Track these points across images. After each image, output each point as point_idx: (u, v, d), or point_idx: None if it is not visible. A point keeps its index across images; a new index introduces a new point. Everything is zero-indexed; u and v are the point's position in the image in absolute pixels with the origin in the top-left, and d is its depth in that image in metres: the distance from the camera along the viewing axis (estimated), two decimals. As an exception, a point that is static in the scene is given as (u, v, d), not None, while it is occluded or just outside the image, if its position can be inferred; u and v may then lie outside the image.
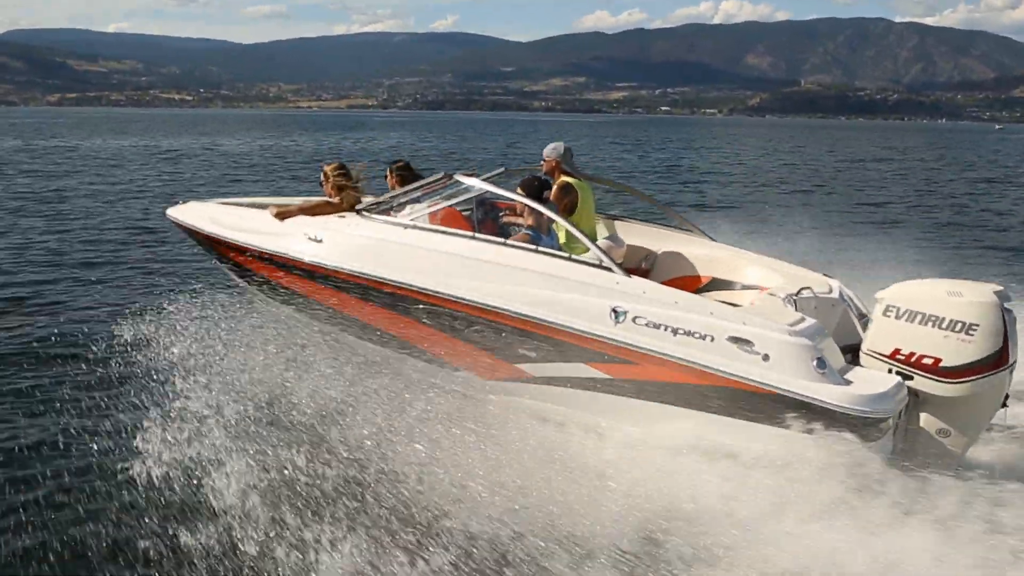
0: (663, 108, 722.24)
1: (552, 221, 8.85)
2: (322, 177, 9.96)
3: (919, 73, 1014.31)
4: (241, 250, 9.63)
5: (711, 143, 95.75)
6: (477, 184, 8.98)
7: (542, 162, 10.29)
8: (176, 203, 10.96)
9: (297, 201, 10.55)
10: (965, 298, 7.31)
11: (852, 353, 8.07)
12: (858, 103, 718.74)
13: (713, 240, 10.45)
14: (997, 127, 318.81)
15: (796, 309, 8.21)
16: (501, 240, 8.51)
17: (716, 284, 9.90)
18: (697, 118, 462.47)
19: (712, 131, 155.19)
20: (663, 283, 8.76)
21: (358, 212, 9.26)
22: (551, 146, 10.23)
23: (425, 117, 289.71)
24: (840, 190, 37.83)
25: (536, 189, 8.85)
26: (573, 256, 8.20)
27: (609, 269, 7.96)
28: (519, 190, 8.91)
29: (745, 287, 9.69)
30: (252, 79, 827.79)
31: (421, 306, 8.48)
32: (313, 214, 9.48)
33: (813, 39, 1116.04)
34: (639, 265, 10.14)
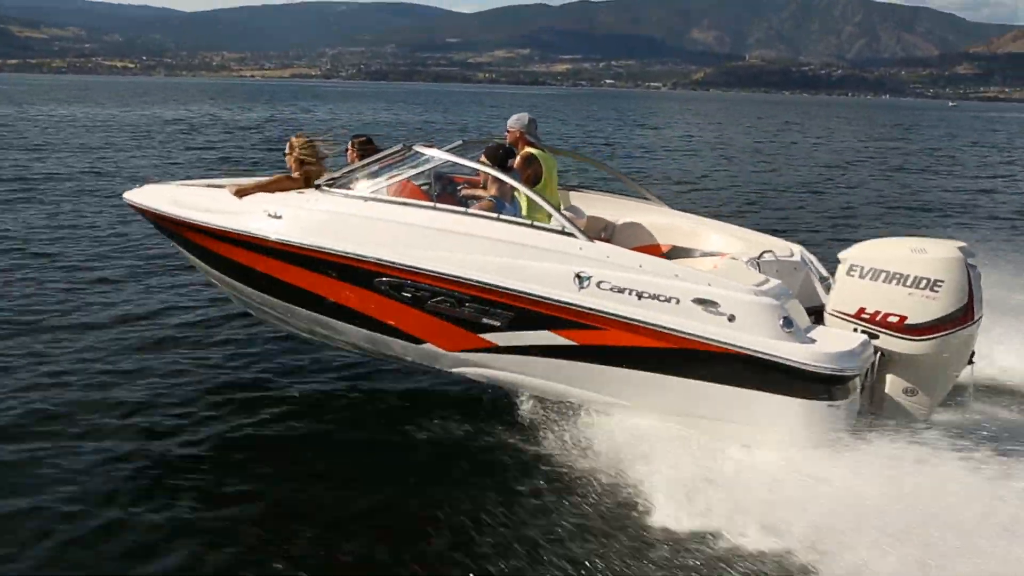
0: (608, 81, 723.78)
1: (515, 190, 8.78)
2: (287, 147, 9.68)
3: (863, 48, 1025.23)
4: (200, 230, 9.33)
5: (672, 119, 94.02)
6: (438, 154, 8.88)
7: (506, 132, 10.18)
8: (133, 187, 10.61)
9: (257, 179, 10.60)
10: (929, 255, 7.38)
11: (816, 315, 8.11)
12: (802, 78, 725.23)
13: (672, 208, 10.49)
14: (950, 104, 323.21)
15: (760, 272, 8.24)
16: (463, 209, 8.44)
17: (676, 252, 9.88)
18: (642, 92, 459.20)
19: (661, 106, 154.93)
20: None
21: (317, 187, 9.09)
22: (515, 116, 10.16)
23: (370, 88, 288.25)
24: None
25: (500, 157, 8.89)
26: (535, 223, 8.16)
27: (572, 235, 7.92)
28: (483, 158, 8.93)
29: (705, 254, 9.70)
30: (195, 48, 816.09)
31: (383, 279, 8.37)
32: (272, 190, 9.29)
33: (758, 13, 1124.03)
34: (599, 235, 9.91)
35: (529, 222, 8.20)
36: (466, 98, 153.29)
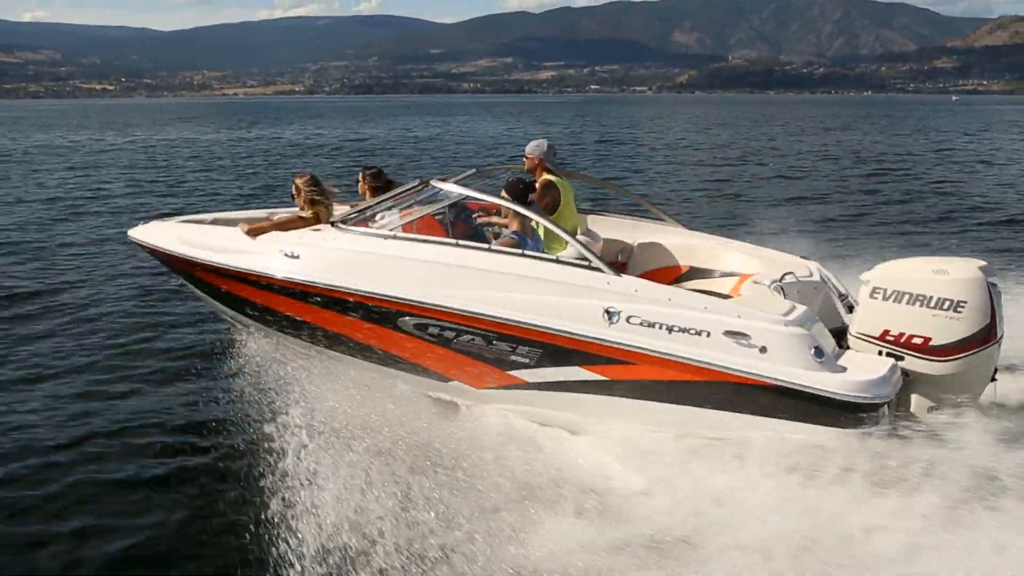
0: (593, 87, 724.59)
1: (537, 223, 8.71)
2: (293, 190, 9.57)
3: (842, 46, 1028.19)
4: (214, 270, 9.25)
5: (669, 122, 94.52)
6: (456, 190, 8.77)
7: (524, 159, 10.10)
8: (137, 224, 10.54)
9: (263, 213, 10.50)
10: (951, 276, 7.39)
11: (838, 335, 8.10)
12: (785, 77, 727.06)
13: (688, 228, 10.44)
14: (954, 98, 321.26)
15: (783, 296, 8.20)
16: (487, 246, 8.33)
17: (694, 273, 9.88)
18: (628, 96, 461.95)
19: (651, 110, 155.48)
20: (640, 275, 8.83)
21: (333, 224, 8.94)
22: (534, 143, 10.07)
23: (356, 102, 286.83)
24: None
25: (521, 192, 8.68)
26: (561, 258, 8.06)
27: (599, 269, 7.84)
28: (503, 193, 8.70)
29: (724, 274, 9.68)
30: (175, 67, 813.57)
31: (407, 318, 8.30)
32: (286, 229, 9.15)
33: (739, 14, 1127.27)
34: (615, 259, 10.06)
35: (555, 257, 8.14)
36: (459, 110, 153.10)
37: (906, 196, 29.41)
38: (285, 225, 9.27)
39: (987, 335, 7.41)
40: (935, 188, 31.79)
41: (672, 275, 9.87)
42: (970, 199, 28.62)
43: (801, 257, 9.52)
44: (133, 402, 10.12)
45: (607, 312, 7.69)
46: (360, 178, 10.48)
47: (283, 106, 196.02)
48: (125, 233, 10.88)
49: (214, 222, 10.30)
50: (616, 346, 7.65)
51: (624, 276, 7.89)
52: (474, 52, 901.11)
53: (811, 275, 9.03)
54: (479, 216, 9.79)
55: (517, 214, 8.60)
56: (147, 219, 10.92)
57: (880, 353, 7.66)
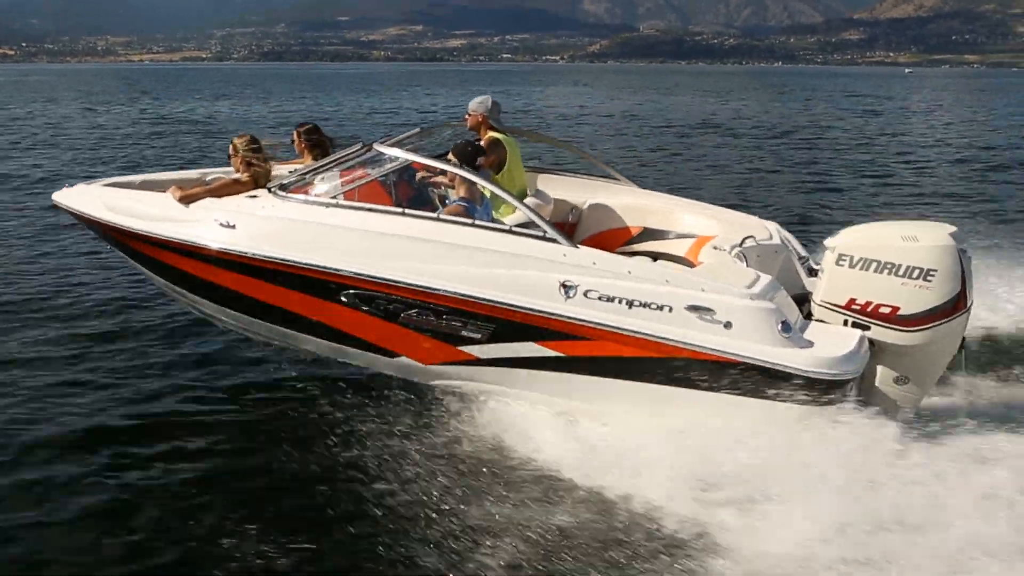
0: (505, 56, 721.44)
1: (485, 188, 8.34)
2: (231, 150, 9.14)
3: (751, 16, 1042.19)
4: (145, 239, 8.75)
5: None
6: (402, 155, 8.31)
7: (466, 116, 9.74)
8: (63, 187, 9.90)
9: (195, 174, 10.11)
10: (921, 243, 7.15)
11: (800, 302, 7.88)
12: (696, 47, 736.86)
13: (640, 188, 10.12)
14: (907, 71, 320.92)
15: (745, 262, 8.04)
16: (434, 215, 7.90)
17: (648, 234, 9.63)
18: (542, 65, 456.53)
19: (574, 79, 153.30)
20: (592, 236, 8.77)
21: (271, 191, 8.46)
22: (478, 99, 9.70)
23: (271, 69, 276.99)
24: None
25: (470, 155, 8.29)
26: (514, 228, 7.68)
27: (555, 240, 7.49)
28: (451, 156, 8.37)
29: (679, 236, 9.44)
30: (77, 32, 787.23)
31: (351, 291, 7.90)
32: (220, 195, 8.66)
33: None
34: (566, 219, 9.75)
35: (508, 227, 7.67)
36: (387, 79, 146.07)
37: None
38: (219, 191, 8.72)
39: (956, 304, 7.18)
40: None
41: (625, 236, 9.62)
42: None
43: (759, 218, 9.28)
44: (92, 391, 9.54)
45: (563, 285, 7.33)
46: (295, 136, 9.89)
47: (200, 74, 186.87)
48: (49, 197, 10.15)
49: (143, 184, 9.76)
50: (573, 321, 7.31)
51: (581, 247, 7.51)
52: (383, 20, 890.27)
53: (771, 238, 8.80)
54: (422, 177, 9.19)
55: (465, 180, 8.12)
56: (72, 182, 10.11)
57: (845, 322, 7.42)
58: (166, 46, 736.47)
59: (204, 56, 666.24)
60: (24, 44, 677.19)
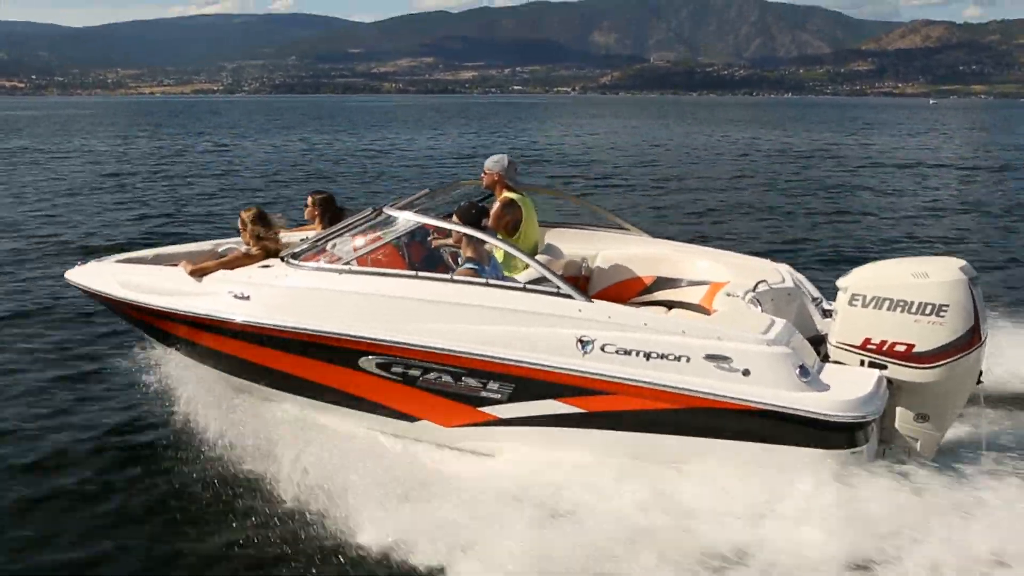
0: (516, 87, 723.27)
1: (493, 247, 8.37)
2: (239, 224, 9.34)
3: (759, 47, 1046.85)
4: (160, 315, 8.87)
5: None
6: (412, 218, 8.42)
7: (482, 175, 9.70)
8: (74, 265, 10.15)
9: (207, 246, 10.31)
10: (932, 279, 7.14)
11: (816, 344, 7.85)
12: (707, 78, 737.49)
13: (651, 236, 10.17)
14: (931, 102, 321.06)
15: (759, 307, 8.02)
16: (447, 277, 7.95)
17: (662, 283, 9.60)
18: (554, 97, 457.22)
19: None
20: (606, 289, 8.85)
21: (283, 260, 8.58)
22: (494, 159, 9.66)
23: (283, 102, 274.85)
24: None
25: (474, 217, 8.32)
26: (528, 286, 7.70)
27: (569, 296, 7.50)
28: (455, 219, 8.36)
29: (692, 283, 9.41)
30: (87, 64, 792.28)
31: (370, 357, 7.93)
32: (233, 267, 8.79)
33: (656, 15, 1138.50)
34: (578, 273, 9.75)
35: (522, 284, 7.75)
36: (403, 112, 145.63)
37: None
38: (232, 263, 8.87)
39: (972, 338, 7.14)
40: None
41: (639, 287, 9.60)
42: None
43: (771, 261, 9.30)
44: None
45: (580, 341, 7.33)
46: (308, 203, 10.10)
47: (215, 107, 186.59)
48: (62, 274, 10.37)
49: (155, 259, 9.93)
50: (592, 376, 7.30)
51: (596, 301, 7.53)
52: (394, 52, 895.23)
53: (783, 281, 8.78)
54: (435, 237, 9.24)
55: (471, 241, 8.14)
56: (83, 259, 10.41)
57: (862, 362, 7.40)
58: (177, 78, 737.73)
59: (216, 88, 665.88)
60: (34, 77, 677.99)
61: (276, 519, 7.42)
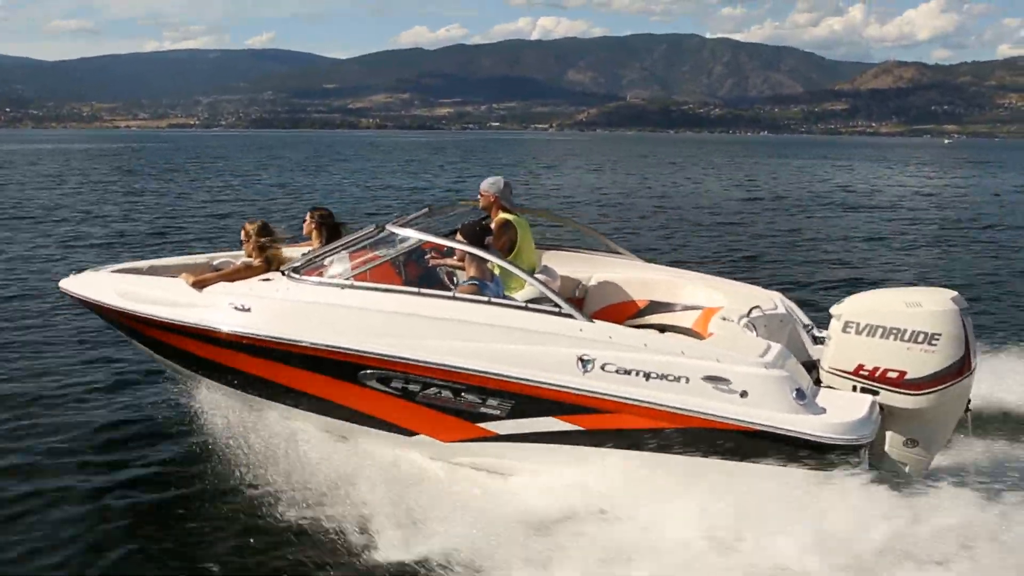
0: (494, 124, 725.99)
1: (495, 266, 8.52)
2: (242, 235, 9.41)
3: (733, 87, 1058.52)
4: (159, 326, 8.86)
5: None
6: (414, 235, 8.49)
7: (479, 196, 9.85)
8: (69, 274, 10.09)
9: (202, 259, 10.34)
10: (924, 308, 7.34)
11: (809, 370, 8.01)
12: (683, 116, 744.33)
13: (645, 261, 10.37)
14: (946, 140, 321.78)
15: (754, 332, 8.17)
16: (449, 294, 8.12)
17: (655, 307, 9.74)
18: (534, 134, 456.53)
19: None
20: (599, 311, 9.01)
21: (284, 273, 8.62)
22: (490, 180, 9.82)
23: (265, 137, 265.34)
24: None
25: (478, 235, 8.48)
26: (530, 305, 7.81)
27: (571, 316, 7.61)
28: (459, 237, 8.51)
29: (686, 307, 9.56)
30: (62, 97, 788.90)
31: (369, 371, 7.99)
32: (233, 279, 8.84)
33: (631, 55, 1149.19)
34: (572, 295, 9.83)
35: (524, 303, 7.82)
36: (396, 148, 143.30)
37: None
38: (232, 276, 8.94)
39: (962, 367, 7.36)
40: None
41: (632, 310, 9.73)
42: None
43: (763, 288, 9.48)
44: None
45: (581, 360, 7.45)
46: (308, 218, 10.15)
47: (197, 142, 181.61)
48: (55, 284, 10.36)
49: (150, 270, 9.95)
50: (592, 395, 7.42)
51: (597, 322, 7.69)
52: (371, 87, 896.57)
53: (776, 307, 8.95)
54: (432, 257, 9.40)
55: (475, 259, 8.31)
56: (78, 269, 10.36)
57: (854, 388, 7.58)
58: (152, 112, 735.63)
59: (192, 123, 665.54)
60: (8, 110, 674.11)
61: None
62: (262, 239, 9.22)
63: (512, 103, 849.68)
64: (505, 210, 9.63)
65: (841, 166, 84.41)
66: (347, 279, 8.25)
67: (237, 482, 8.18)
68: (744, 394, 7.08)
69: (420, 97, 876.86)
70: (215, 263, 9.99)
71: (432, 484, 7.88)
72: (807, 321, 8.96)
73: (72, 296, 9.79)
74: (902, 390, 7.39)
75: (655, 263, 10.51)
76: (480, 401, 7.77)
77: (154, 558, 7.33)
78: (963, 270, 22.89)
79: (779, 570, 6.34)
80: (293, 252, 9.60)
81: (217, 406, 8.99)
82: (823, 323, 8.28)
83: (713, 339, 8.02)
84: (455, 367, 7.66)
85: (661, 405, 7.23)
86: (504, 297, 8.22)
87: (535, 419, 7.66)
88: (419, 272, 9.06)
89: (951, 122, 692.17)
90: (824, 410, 7.13)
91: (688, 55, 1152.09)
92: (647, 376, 7.27)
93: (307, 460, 8.10)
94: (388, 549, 7.00)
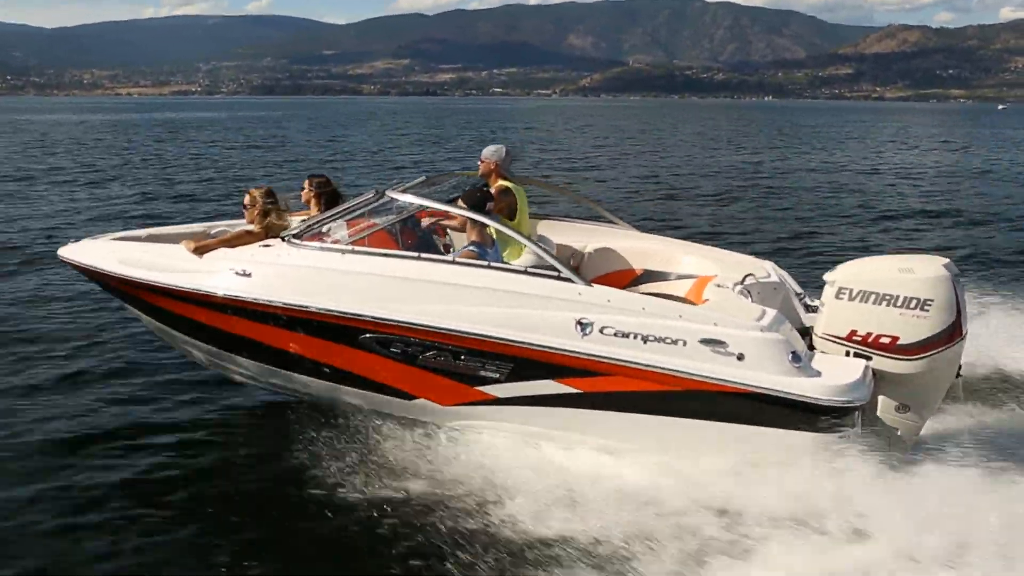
0: (496, 90, 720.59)
1: (494, 232, 8.62)
2: (247, 200, 9.35)
3: (735, 51, 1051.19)
4: (160, 291, 8.86)
5: None
6: (414, 200, 8.59)
7: (480, 163, 9.86)
8: (67, 242, 10.01)
9: (199, 228, 10.33)
10: (917, 274, 7.42)
11: (803, 336, 8.08)
12: (686, 82, 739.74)
13: (639, 231, 10.44)
14: (1000, 107, 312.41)
15: (749, 298, 8.28)
16: (449, 258, 8.24)
17: (649, 276, 9.85)
18: (541, 101, 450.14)
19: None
20: (595, 279, 8.88)
21: (285, 239, 8.64)
22: (491, 148, 9.86)
23: (276, 103, 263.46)
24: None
25: (479, 201, 8.50)
26: (529, 269, 7.92)
27: (569, 279, 7.70)
28: (461, 203, 8.55)
29: (680, 277, 9.68)
30: (63, 65, 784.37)
31: (370, 335, 8.05)
32: (234, 245, 8.87)
33: (632, 20, 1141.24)
34: (567, 264, 9.60)
35: (524, 268, 7.92)
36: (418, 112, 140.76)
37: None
38: (233, 242, 8.97)
39: (953, 333, 7.43)
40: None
41: (627, 278, 9.80)
42: None
43: (756, 257, 9.58)
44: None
45: (579, 323, 7.51)
46: (305, 186, 10.05)
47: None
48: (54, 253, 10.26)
49: (149, 238, 9.95)
50: (590, 358, 7.49)
51: (596, 285, 7.76)
52: (370, 54, 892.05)
53: (769, 275, 9.04)
54: (428, 223, 9.50)
55: (475, 225, 8.40)
56: (76, 237, 10.30)
57: (847, 354, 7.65)
58: (153, 79, 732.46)
59: (194, 90, 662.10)
60: (9, 77, 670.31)
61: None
62: (267, 205, 9.08)
63: (512, 69, 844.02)
64: (503, 178, 9.59)
65: (864, 136, 79.47)
66: (348, 244, 8.27)
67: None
68: (741, 357, 7.16)
69: (420, 63, 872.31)
70: (213, 232, 9.91)
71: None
72: (799, 289, 9.01)
73: (71, 264, 9.64)
74: (894, 355, 7.44)
75: (651, 233, 10.51)
76: (479, 364, 7.82)
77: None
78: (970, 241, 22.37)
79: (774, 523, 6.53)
80: (291, 220, 9.42)
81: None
82: (815, 293, 8.25)
83: (709, 304, 8.00)
84: (454, 331, 7.69)
85: (659, 367, 7.29)
86: (505, 262, 8.27)
87: (534, 382, 7.71)
88: (415, 240, 9.01)
89: (957, 86, 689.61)
90: (819, 373, 7.20)
91: (690, 19, 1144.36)
92: (645, 339, 7.32)
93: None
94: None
